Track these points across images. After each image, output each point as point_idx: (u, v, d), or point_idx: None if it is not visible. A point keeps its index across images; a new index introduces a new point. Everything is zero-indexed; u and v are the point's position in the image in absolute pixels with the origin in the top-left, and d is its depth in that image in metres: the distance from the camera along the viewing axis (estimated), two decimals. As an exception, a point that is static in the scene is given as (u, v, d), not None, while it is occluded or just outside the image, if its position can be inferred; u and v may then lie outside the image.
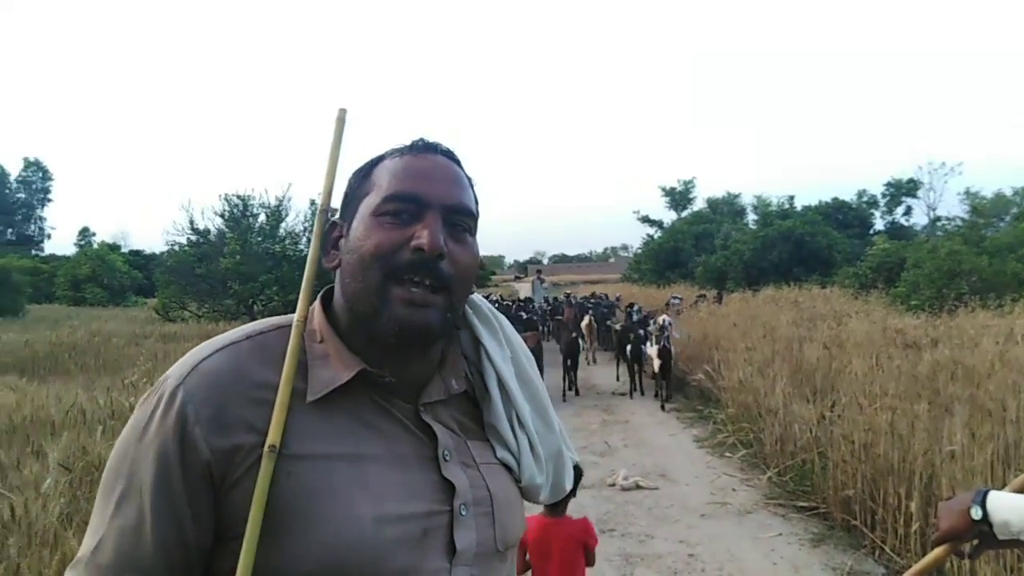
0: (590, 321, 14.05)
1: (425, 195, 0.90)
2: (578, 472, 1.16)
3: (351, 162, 1.01)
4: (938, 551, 1.42)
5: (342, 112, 0.79)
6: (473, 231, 0.96)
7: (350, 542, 0.81)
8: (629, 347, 10.37)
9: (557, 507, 2.89)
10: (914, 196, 45.13)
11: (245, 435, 0.82)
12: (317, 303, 0.97)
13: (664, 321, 10.30)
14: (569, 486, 1.10)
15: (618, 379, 11.23)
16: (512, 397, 1.00)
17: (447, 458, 0.91)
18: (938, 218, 43.17)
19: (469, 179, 0.98)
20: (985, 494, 1.33)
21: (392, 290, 0.87)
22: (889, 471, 4.65)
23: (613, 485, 6.14)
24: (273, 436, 0.70)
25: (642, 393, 10.50)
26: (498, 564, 0.94)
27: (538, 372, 1.11)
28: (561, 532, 2.92)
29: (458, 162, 0.98)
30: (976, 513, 1.31)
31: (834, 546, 4.78)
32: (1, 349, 11.85)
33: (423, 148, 0.96)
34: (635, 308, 15.24)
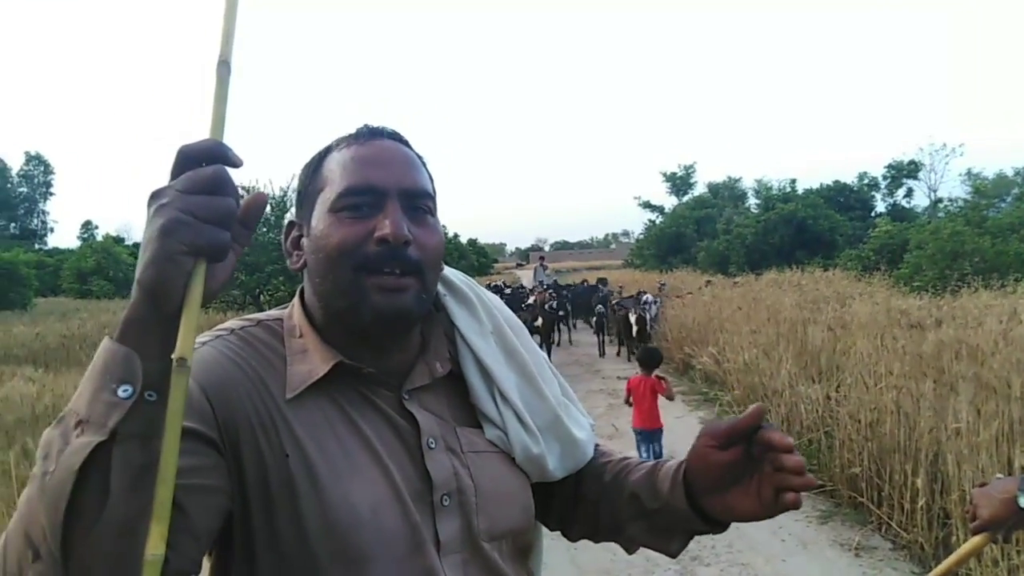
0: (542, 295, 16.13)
1: (381, 184, 0.89)
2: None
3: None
4: (978, 539, 1.42)
5: (223, 67, 0.68)
6: (434, 211, 0.94)
7: (349, 525, 0.82)
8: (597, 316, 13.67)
9: (649, 369, 5.81)
10: (915, 178, 44.88)
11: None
12: (296, 298, 0.98)
13: (647, 297, 13.28)
14: (590, 450, 1.07)
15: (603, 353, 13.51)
16: (491, 372, 0.98)
17: (432, 446, 0.91)
18: (940, 199, 43.01)
19: (420, 158, 0.97)
20: None
21: (364, 281, 0.86)
22: (895, 449, 4.74)
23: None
24: (180, 349, 0.63)
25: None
26: (495, 552, 0.92)
27: (531, 342, 1.09)
28: (646, 383, 5.72)
29: (407, 143, 0.96)
30: None
31: (841, 522, 4.87)
32: (13, 342, 11.94)
33: (369, 134, 0.94)
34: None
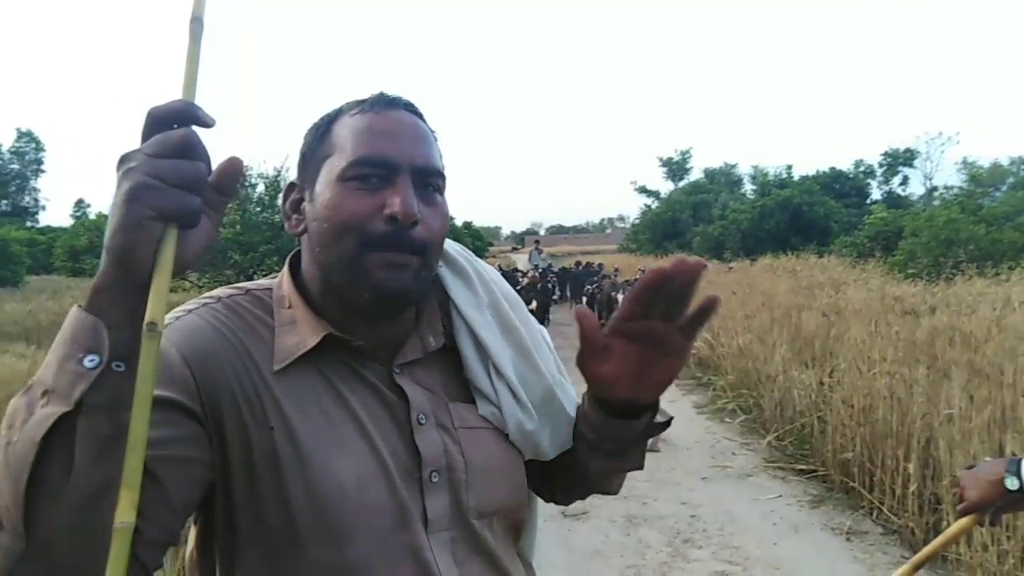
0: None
1: (394, 158, 0.86)
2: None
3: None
4: (965, 521, 1.41)
5: (195, 24, 0.65)
6: (443, 190, 0.92)
7: (333, 499, 0.81)
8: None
9: None
10: (911, 166, 44.92)
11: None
12: (285, 268, 0.95)
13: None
14: (570, 432, 1.03)
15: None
16: (486, 346, 0.96)
17: (422, 421, 0.90)
18: (935, 187, 43.15)
19: (433, 133, 0.94)
20: (1019, 463, 1.32)
21: (368, 257, 0.84)
22: (887, 434, 4.75)
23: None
24: (151, 314, 0.61)
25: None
26: (484, 529, 0.91)
27: (528, 316, 1.07)
28: None
29: (421, 116, 0.93)
30: (1013, 484, 1.30)
31: (832, 507, 4.90)
32: (5, 319, 11.89)
33: (386, 104, 0.90)
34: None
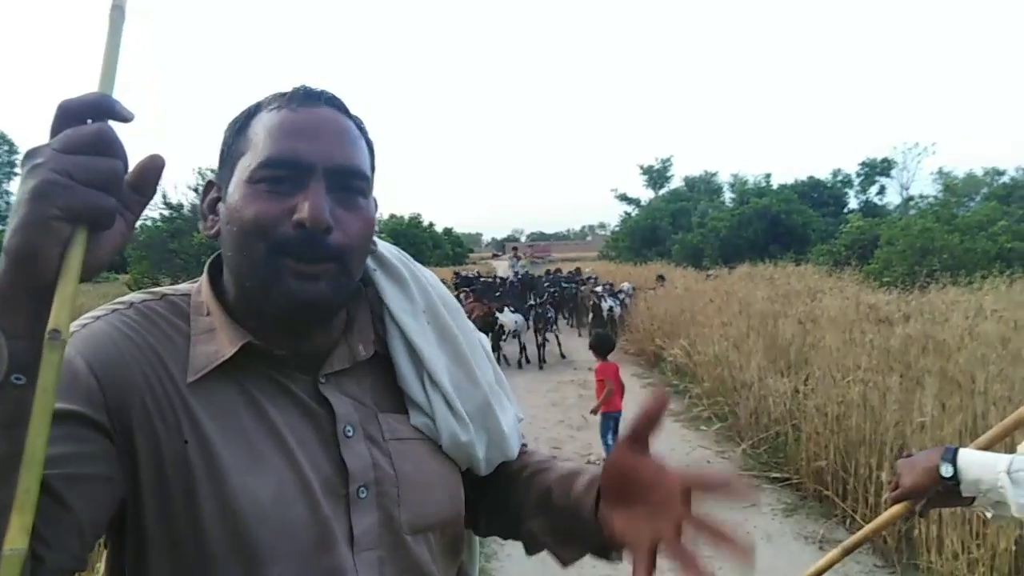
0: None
1: (307, 158, 0.80)
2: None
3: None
4: (897, 508, 1.44)
5: (116, 12, 0.62)
6: (367, 192, 0.86)
7: (249, 518, 0.77)
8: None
9: (606, 354, 6.16)
10: (888, 175, 45.44)
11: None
12: (204, 273, 0.91)
13: (625, 287, 15.09)
14: (515, 444, 1.01)
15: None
16: (420, 353, 0.92)
17: (348, 434, 0.85)
18: (911, 197, 43.65)
19: (361, 127, 0.88)
20: (955, 452, 1.33)
21: (278, 263, 0.79)
22: (861, 442, 4.74)
23: (591, 461, 6.20)
24: (54, 321, 0.57)
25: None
26: (416, 546, 0.86)
27: (467, 323, 1.03)
28: (610, 367, 6.03)
29: (346, 111, 0.87)
30: (947, 471, 1.32)
31: (806, 515, 4.88)
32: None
33: (303, 99, 0.84)
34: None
